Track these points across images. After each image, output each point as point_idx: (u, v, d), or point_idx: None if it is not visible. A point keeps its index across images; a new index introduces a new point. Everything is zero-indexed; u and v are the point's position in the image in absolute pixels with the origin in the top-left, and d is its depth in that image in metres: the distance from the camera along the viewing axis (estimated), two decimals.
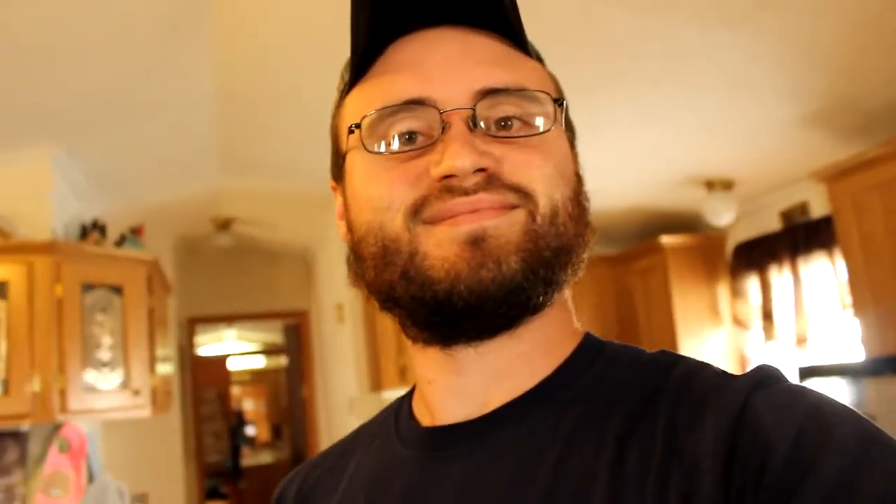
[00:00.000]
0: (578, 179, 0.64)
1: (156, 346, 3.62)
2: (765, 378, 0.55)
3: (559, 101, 0.61)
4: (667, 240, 4.56)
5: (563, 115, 0.64)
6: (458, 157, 0.55)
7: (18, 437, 3.16)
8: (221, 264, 6.06)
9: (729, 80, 2.91)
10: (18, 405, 2.86)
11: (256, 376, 11.68)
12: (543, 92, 0.60)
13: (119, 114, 3.12)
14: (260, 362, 11.59)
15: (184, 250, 5.75)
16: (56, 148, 3.22)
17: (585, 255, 0.62)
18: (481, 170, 0.57)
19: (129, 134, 3.36)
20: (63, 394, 2.94)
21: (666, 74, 2.88)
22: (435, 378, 0.64)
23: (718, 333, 4.59)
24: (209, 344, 9.79)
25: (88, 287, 3.12)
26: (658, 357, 0.63)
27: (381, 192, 0.59)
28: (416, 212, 0.58)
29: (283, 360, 10.28)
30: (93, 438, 3.59)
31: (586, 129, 3.34)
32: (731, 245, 4.60)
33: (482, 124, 0.58)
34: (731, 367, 4.60)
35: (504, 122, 0.59)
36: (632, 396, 0.58)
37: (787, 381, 0.56)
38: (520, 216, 0.57)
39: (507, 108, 0.59)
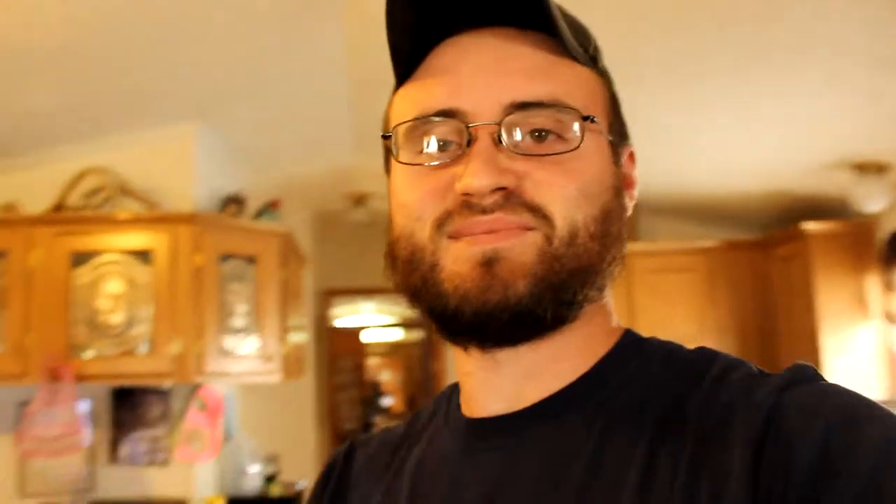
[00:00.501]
0: (614, 193, 0.62)
1: (288, 315, 3.78)
2: (797, 377, 0.54)
3: (589, 117, 0.59)
4: (810, 226, 4.29)
5: (608, 124, 0.63)
6: (476, 176, 0.56)
7: (162, 395, 3.42)
8: (358, 238, 6.23)
9: (881, 53, 2.69)
10: (161, 365, 3.09)
11: (394, 349, 12.08)
12: (572, 108, 0.59)
13: (258, 90, 3.27)
14: (398, 335, 11.95)
15: (321, 224, 5.96)
16: (199, 124, 3.42)
17: (615, 269, 0.62)
18: (502, 188, 0.57)
19: (267, 109, 3.52)
20: (200, 356, 3.13)
21: (813, 48, 2.69)
22: (472, 371, 0.65)
23: (866, 328, 4.29)
24: (347, 316, 10.13)
25: (226, 257, 3.31)
26: (695, 356, 0.62)
27: (415, 201, 0.61)
28: (441, 224, 0.59)
29: (418, 334, 10.53)
30: (230, 400, 3.81)
31: (724, 108, 3.15)
32: (883, 233, 4.28)
33: (517, 134, 0.58)
34: (881, 365, 4.34)
35: (538, 133, 0.58)
36: (665, 396, 0.58)
37: (821, 380, 0.55)
38: (535, 239, 0.57)
39: (538, 120, 0.58)
